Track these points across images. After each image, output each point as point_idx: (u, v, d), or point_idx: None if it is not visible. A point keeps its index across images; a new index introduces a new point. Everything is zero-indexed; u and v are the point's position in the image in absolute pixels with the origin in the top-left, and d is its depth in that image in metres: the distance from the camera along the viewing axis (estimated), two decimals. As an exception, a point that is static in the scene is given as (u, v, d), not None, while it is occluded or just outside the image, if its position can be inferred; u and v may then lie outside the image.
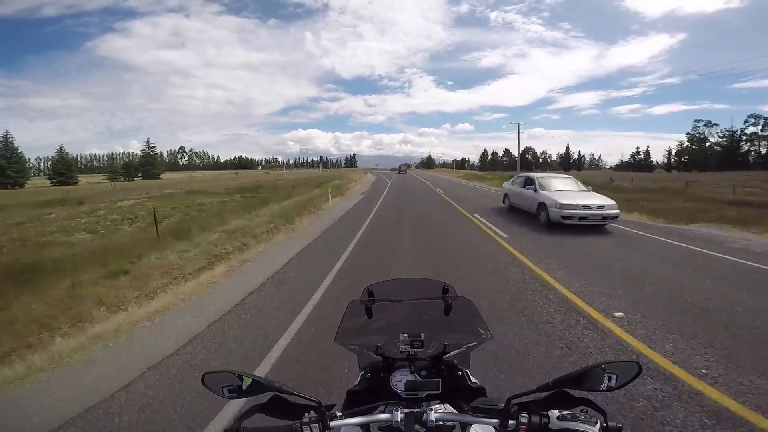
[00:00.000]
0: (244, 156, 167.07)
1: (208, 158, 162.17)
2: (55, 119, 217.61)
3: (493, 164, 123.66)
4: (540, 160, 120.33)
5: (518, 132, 46.74)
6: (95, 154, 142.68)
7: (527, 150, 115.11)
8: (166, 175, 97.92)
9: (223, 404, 2.49)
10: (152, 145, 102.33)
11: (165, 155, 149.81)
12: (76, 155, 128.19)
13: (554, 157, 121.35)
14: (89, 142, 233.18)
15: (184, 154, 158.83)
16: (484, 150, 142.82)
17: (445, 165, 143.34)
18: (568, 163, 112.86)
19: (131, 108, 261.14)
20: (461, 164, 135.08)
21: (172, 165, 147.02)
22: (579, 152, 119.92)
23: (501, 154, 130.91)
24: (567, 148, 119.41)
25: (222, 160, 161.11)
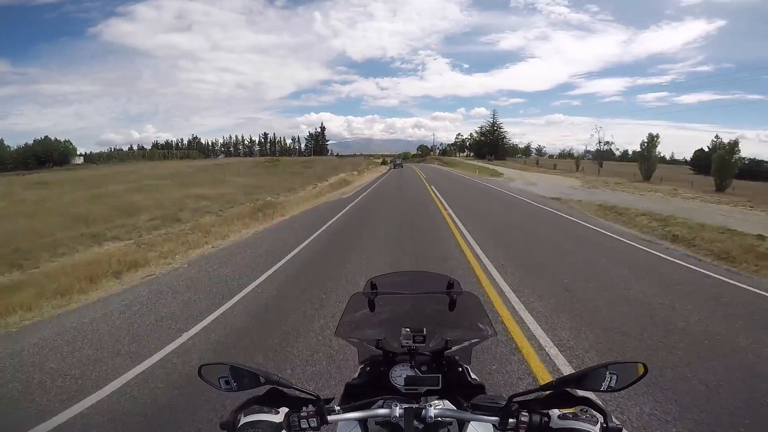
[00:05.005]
0: (54, 138, 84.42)
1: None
2: (68, 105, 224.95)
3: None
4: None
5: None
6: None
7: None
8: None
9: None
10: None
11: None
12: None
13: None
14: (105, 128, 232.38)
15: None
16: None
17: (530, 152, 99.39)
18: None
19: (144, 93, 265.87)
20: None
21: None
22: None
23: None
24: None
25: (16, 147, 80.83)
